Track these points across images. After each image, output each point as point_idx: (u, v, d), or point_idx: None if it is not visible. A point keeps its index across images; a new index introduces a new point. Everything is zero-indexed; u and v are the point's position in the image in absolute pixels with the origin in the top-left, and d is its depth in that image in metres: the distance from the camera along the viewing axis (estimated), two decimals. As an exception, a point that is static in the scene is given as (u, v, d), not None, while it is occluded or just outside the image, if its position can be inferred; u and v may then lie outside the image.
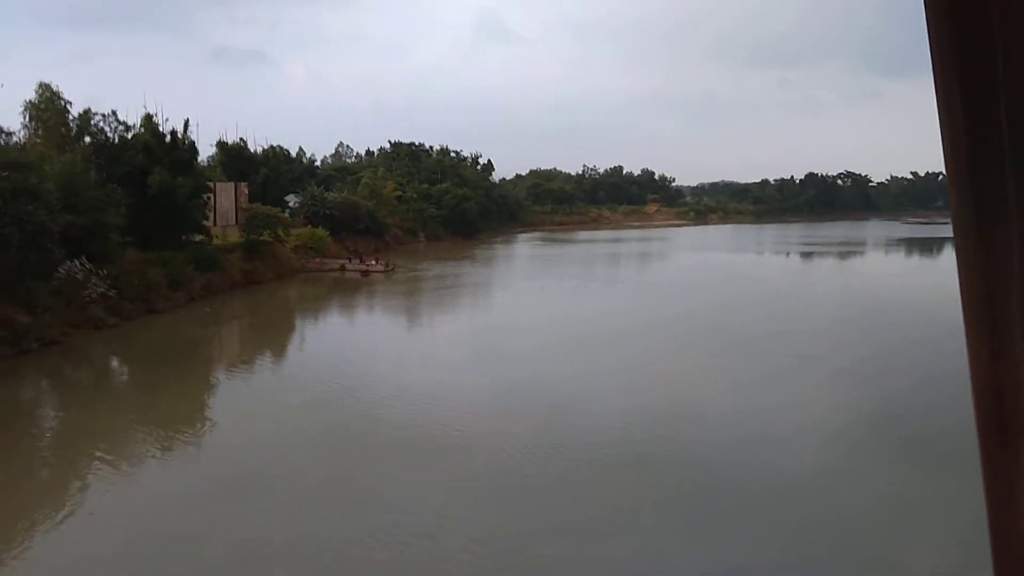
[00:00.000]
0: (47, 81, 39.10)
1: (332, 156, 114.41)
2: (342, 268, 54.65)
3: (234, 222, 50.79)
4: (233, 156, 61.38)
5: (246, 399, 23.11)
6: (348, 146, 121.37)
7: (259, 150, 66.59)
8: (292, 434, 18.69)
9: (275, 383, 25.57)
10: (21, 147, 31.87)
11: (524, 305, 42.48)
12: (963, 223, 0.87)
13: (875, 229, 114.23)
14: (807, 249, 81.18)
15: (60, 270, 29.43)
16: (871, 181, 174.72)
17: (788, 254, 79.03)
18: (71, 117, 39.20)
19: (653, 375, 24.32)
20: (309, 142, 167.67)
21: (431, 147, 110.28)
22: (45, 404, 24.21)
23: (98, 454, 17.44)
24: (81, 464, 16.91)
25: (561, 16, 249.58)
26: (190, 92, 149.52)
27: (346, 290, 48.05)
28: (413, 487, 14.92)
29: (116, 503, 14.69)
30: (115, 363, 29.98)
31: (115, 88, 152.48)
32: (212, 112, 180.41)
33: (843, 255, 75.18)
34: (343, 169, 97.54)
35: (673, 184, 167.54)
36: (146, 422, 20.44)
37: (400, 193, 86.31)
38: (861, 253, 76.10)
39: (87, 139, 39.63)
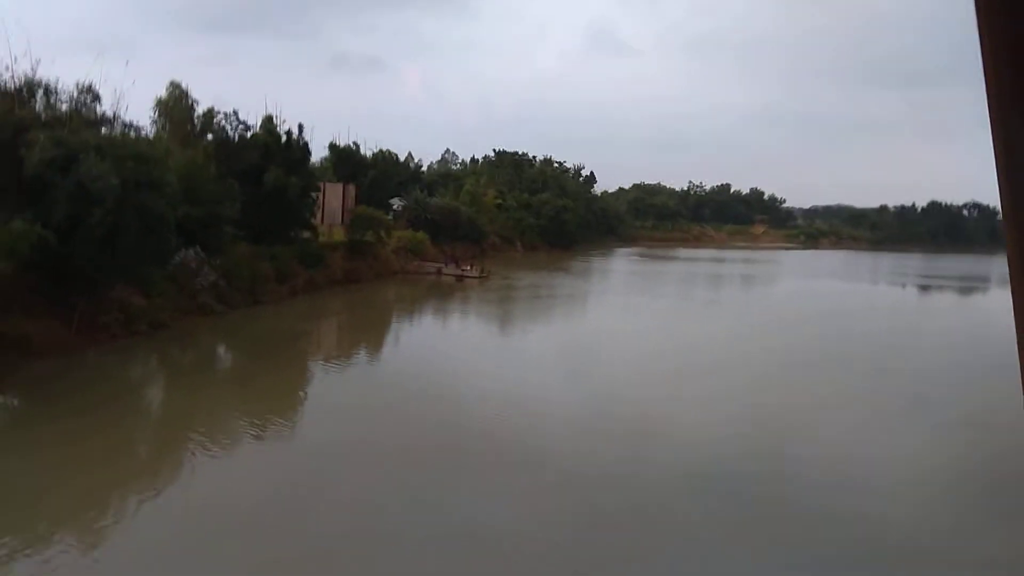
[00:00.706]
0: (177, 80, 41.58)
1: (439, 162, 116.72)
2: (438, 272, 55.67)
3: (340, 221, 52.55)
4: (344, 158, 63.50)
5: (338, 392, 23.73)
6: (454, 152, 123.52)
7: (369, 153, 68.65)
8: (375, 428, 19.04)
9: (366, 378, 26.25)
10: (149, 141, 33.92)
11: (614, 321, 41.87)
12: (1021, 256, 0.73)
13: (1002, 265, 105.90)
14: (926, 282, 76.30)
15: (175, 258, 31.18)
16: (1000, 213, 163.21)
17: (904, 286, 74.64)
18: (196, 115, 41.57)
19: (746, 406, 23.28)
20: (418, 147, 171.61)
21: (534, 157, 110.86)
22: (152, 382, 25.64)
23: (200, 428, 18.48)
24: (180, 438, 17.86)
25: (675, 30, 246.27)
26: (309, 94, 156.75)
27: (440, 294, 48.79)
28: (481, 496, 14.82)
29: (205, 478, 15.30)
30: (220, 349, 31.46)
31: (240, 89, 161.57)
32: (328, 113, 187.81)
33: (964, 291, 70.23)
34: (447, 175, 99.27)
35: (783, 205, 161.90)
36: (243, 404, 21.34)
37: (500, 201, 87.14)
38: (984, 290, 70.86)
39: (209, 136, 41.90)
